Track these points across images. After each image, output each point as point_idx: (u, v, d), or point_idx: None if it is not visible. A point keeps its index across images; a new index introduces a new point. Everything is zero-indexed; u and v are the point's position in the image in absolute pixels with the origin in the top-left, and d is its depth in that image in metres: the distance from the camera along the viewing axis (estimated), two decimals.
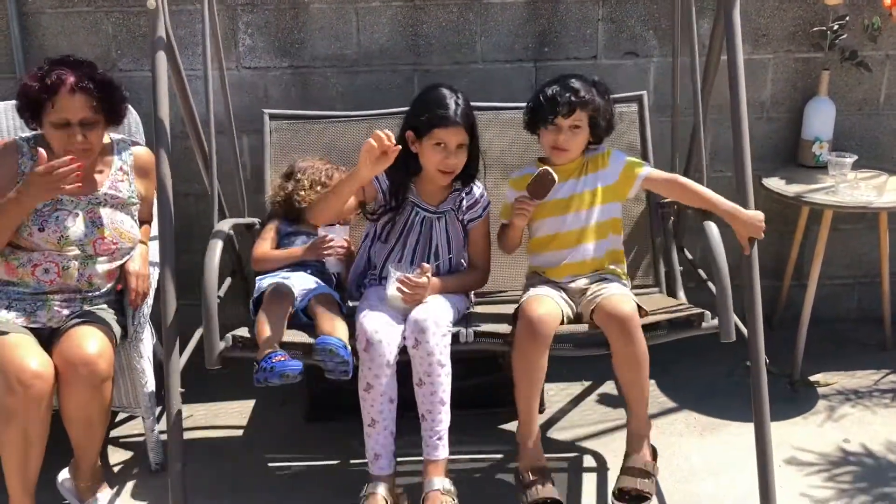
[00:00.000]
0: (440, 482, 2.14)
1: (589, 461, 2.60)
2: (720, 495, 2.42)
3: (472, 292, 2.53)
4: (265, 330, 2.19)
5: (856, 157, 2.85)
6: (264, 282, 2.44)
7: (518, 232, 2.39)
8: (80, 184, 2.19)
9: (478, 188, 2.44)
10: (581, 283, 2.37)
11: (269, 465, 2.62)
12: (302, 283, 2.43)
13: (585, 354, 2.25)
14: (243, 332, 2.28)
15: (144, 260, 2.47)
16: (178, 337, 2.19)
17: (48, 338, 2.25)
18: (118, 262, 2.41)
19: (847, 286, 3.40)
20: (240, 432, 2.80)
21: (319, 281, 2.48)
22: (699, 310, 2.27)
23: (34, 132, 2.40)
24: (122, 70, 2.95)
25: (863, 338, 3.28)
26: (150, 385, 2.48)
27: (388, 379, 2.12)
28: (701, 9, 3.00)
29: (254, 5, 2.96)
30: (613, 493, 2.24)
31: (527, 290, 2.37)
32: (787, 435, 2.67)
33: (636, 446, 2.25)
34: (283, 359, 2.10)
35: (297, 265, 2.50)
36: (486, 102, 2.78)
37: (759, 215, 2.22)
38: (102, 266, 2.36)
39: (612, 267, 2.42)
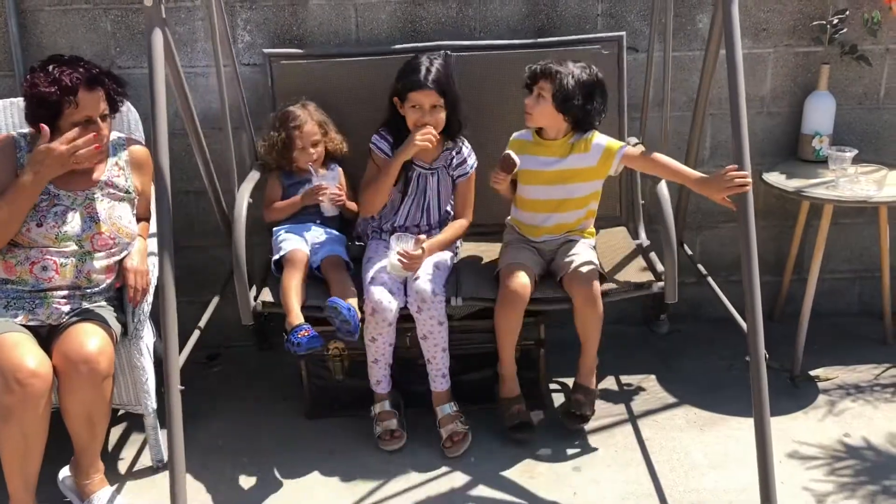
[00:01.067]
0: (449, 407, 2.65)
1: (588, 455, 2.60)
2: (721, 489, 2.42)
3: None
4: (290, 298, 2.53)
5: (856, 152, 2.84)
6: (282, 242, 2.69)
7: (503, 192, 2.69)
8: (98, 149, 2.29)
9: (466, 147, 2.75)
10: (553, 244, 2.70)
11: (270, 461, 2.62)
12: (313, 238, 2.73)
13: (553, 308, 2.63)
14: (268, 296, 2.61)
15: (143, 256, 2.47)
16: (177, 334, 2.19)
17: (47, 335, 2.25)
18: (116, 258, 2.41)
19: (847, 280, 3.40)
20: (241, 428, 2.80)
21: (330, 232, 2.77)
22: (650, 278, 2.63)
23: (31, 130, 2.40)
24: (121, 67, 2.94)
25: (863, 332, 3.27)
26: (151, 382, 2.48)
27: (389, 332, 2.57)
28: (700, 3, 3.00)
29: (252, 2, 2.95)
30: (561, 413, 2.73)
31: (504, 248, 2.72)
32: (788, 429, 2.67)
33: (585, 378, 2.68)
34: (307, 333, 2.47)
35: (306, 218, 2.78)
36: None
37: (730, 169, 2.27)
38: (100, 262, 2.36)
39: (580, 228, 2.72)
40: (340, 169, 2.85)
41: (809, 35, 3.05)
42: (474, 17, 3.00)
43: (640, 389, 2.95)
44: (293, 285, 2.55)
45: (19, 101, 2.67)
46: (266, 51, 2.90)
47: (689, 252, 3.16)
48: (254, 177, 2.74)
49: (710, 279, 2.96)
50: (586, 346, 2.64)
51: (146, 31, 2.19)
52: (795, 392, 2.89)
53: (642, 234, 2.95)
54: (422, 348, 2.62)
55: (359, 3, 2.97)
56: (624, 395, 2.92)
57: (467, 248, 2.90)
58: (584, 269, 2.55)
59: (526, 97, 2.59)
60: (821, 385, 2.94)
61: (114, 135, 2.50)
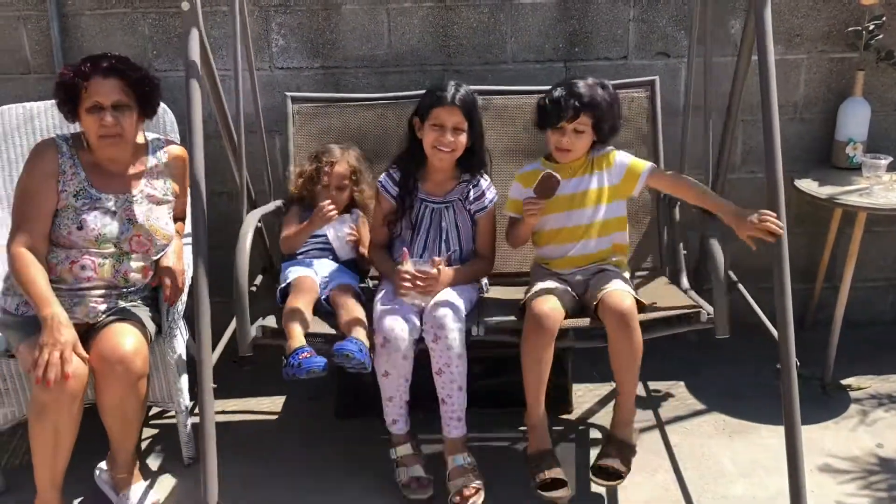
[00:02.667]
0: (462, 458, 2.39)
1: None
2: (750, 497, 2.41)
3: (485, 279, 2.67)
4: (292, 322, 2.36)
5: (891, 159, 2.81)
6: (290, 273, 2.58)
7: (528, 229, 2.50)
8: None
9: (484, 181, 2.58)
10: (583, 275, 2.48)
11: (300, 459, 2.65)
12: (324, 269, 2.60)
13: (586, 346, 2.41)
14: (271, 322, 2.43)
15: (179, 256, 2.51)
16: (210, 333, 2.22)
17: (84, 334, 2.30)
18: (153, 259, 2.45)
19: (881, 289, 3.36)
20: (271, 427, 2.83)
21: (342, 267, 2.64)
22: (695, 308, 2.37)
23: (72, 133, 2.45)
24: (158, 70, 3.00)
25: None
26: (184, 380, 2.53)
27: (403, 366, 2.34)
28: (733, 8, 2.99)
29: (286, 7, 2.99)
30: (592, 469, 2.37)
31: (533, 283, 2.46)
32: (819, 439, 2.65)
33: (620, 430, 2.39)
34: (308, 355, 2.26)
35: (319, 252, 2.67)
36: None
37: (763, 213, 2.20)
38: (137, 262, 2.40)
39: (614, 259, 2.51)
40: (362, 215, 2.75)
41: (844, 41, 3.02)
42: (505, 21, 3.01)
43: (668, 396, 2.94)
44: (297, 309, 2.40)
45: None
46: (288, 94, 2.90)
47: None
48: (270, 206, 2.71)
49: (740, 286, 2.94)
50: (623, 385, 2.35)
51: (183, 33, 2.23)
52: (827, 401, 2.86)
53: (684, 282, 2.69)
54: (436, 386, 2.36)
55: (391, 8, 3.00)
56: (652, 401, 2.91)
57: (493, 292, 2.70)
58: (619, 292, 2.28)
59: (553, 135, 2.43)
60: (853, 394, 2.91)
61: (151, 135, 2.55)
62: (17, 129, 2.77)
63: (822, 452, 2.59)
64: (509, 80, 3.03)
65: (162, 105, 2.61)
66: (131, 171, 2.43)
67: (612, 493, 2.44)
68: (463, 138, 2.47)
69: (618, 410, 2.41)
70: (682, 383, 3.01)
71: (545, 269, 2.54)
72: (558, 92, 2.40)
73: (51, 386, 2.11)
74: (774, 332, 2.27)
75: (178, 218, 2.59)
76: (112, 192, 2.38)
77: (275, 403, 2.97)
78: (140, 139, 2.47)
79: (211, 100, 2.50)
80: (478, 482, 2.37)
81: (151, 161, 2.48)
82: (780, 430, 2.22)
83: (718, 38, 3.01)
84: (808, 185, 2.93)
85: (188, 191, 2.47)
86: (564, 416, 2.81)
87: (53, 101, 2.73)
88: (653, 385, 3.00)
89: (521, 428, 2.73)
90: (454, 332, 2.30)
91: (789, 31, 3.03)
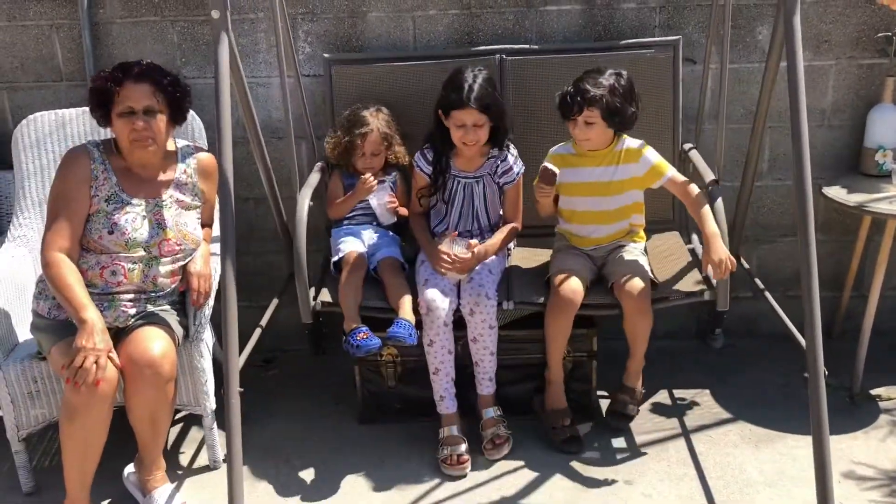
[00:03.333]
0: (493, 410, 2.68)
1: (640, 468, 2.58)
2: None
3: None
4: (347, 299, 2.60)
5: None
6: (341, 246, 2.78)
7: (546, 208, 2.71)
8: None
9: (511, 155, 2.76)
10: (603, 252, 2.72)
11: (322, 464, 2.67)
12: (370, 239, 2.82)
13: (603, 314, 2.66)
14: (326, 296, 2.68)
15: (206, 261, 2.53)
16: (238, 337, 2.24)
17: (114, 336, 2.32)
18: (181, 263, 2.48)
19: None
20: (296, 432, 2.85)
21: (385, 234, 2.86)
22: (702, 285, 2.62)
23: (103, 139, 2.49)
24: (187, 77, 3.02)
25: None
26: (210, 384, 2.55)
27: (445, 335, 2.59)
28: (760, 14, 2.97)
29: (313, 14, 3.02)
30: (607, 412, 2.77)
31: (555, 254, 2.76)
32: (847, 449, 2.61)
33: (632, 379, 2.73)
34: (365, 336, 2.53)
35: (363, 219, 2.87)
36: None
37: (728, 258, 2.43)
38: (166, 267, 2.43)
39: (631, 234, 2.75)
40: (399, 175, 2.91)
41: (874, 47, 2.99)
42: (531, 28, 3.02)
43: (693, 404, 2.92)
44: (351, 288, 2.62)
45: None
46: (326, 55, 2.97)
47: (747, 266, 3.12)
48: (313, 180, 2.80)
49: (767, 294, 2.91)
50: (634, 348, 2.66)
51: (213, 41, 2.26)
52: (855, 411, 2.83)
53: (695, 239, 2.95)
54: (471, 351, 2.65)
55: (417, 15, 3.01)
56: (677, 410, 2.89)
57: (518, 253, 2.94)
58: (635, 277, 2.56)
59: (569, 125, 2.58)
60: (882, 405, 2.87)
61: (181, 142, 2.58)
62: (49, 135, 2.82)
63: (849, 462, 2.56)
64: None
65: (191, 112, 2.65)
66: (161, 176, 2.47)
67: (637, 500, 2.43)
68: (484, 131, 2.63)
69: (631, 362, 2.70)
70: (707, 391, 2.98)
71: (567, 243, 2.76)
72: (569, 87, 2.56)
73: (81, 389, 2.14)
74: (802, 341, 2.25)
75: (206, 224, 2.62)
76: (142, 197, 2.42)
77: (300, 408, 2.99)
78: (171, 146, 2.50)
79: (240, 106, 2.53)
80: (507, 431, 2.66)
81: (181, 167, 2.51)
82: (808, 439, 2.19)
83: (746, 44, 3.00)
84: (836, 192, 2.90)
85: (216, 197, 2.50)
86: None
87: (85, 108, 2.80)
88: (678, 393, 2.98)
89: None
90: (488, 307, 2.57)
91: (817, 36, 3.00)
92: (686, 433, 2.75)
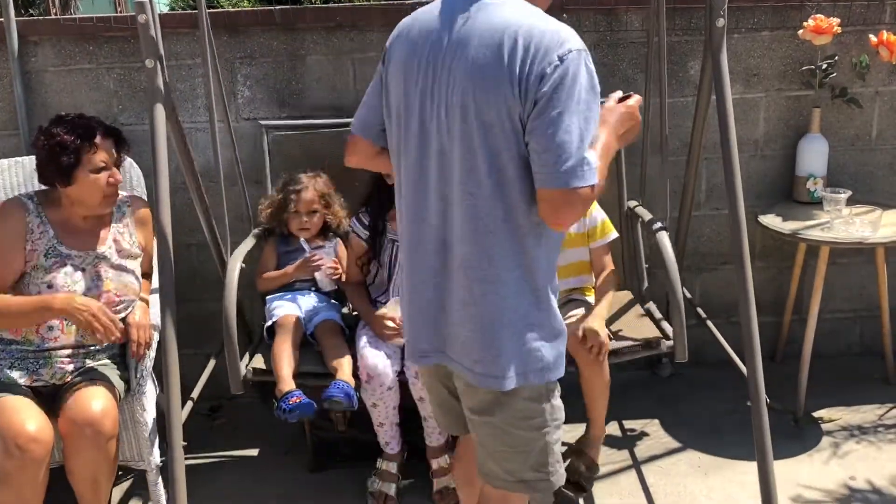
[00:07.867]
0: (444, 459, 2.61)
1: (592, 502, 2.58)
2: None
3: None
4: (280, 364, 2.47)
5: (850, 193, 2.87)
6: (276, 311, 2.65)
7: None
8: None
9: None
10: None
11: None
12: (308, 304, 2.70)
13: None
14: (260, 362, 2.55)
15: (145, 311, 2.48)
16: (179, 387, 2.19)
17: (51, 395, 2.25)
18: (120, 316, 2.42)
19: (848, 320, 3.40)
20: (246, 483, 2.78)
21: (325, 300, 2.74)
22: (657, 334, 2.56)
23: (36, 190, 2.44)
24: (124, 124, 3.00)
25: (866, 372, 3.27)
26: (154, 438, 2.48)
27: (389, 396, 2.50)
28: (692, 51, 3.06)
29: (252, 58, 3.02)
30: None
31: None
32: (793, 473, 2.65)
33: (591, 447, 2.57)
34: (298, 399, 2.39)
35: (303, 286, 2.75)
36: None
37: (606, 336, 2.41)
38: None
39: (579, 291, 2.69)
40: (341, 242, 2.81)
41: (800, 79, 3.10)
42: None
43: (643, 434, 2.94)
44: (284, 351, 2.50)
45: (24, 161, 2.72)
46: (262, 122, 2.94)
47: (689, 295, 3.17)
48: (248, 243, 2.71)
49: (709, 322, 2.96)
50: (593, 414, 2.54)
51: (147, 90, 2.24)
52: (799, 434, 2.88)
53: (656, 311, 2.82)
54: (418, 408, 2.55)
55: (356, 58, 3.03)
56: (627, 441, 2.91)
57: None
58: (590, 330, 2.42)
59: None
60: (825, 426, 2.92)
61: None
62: None
63: (795, 486, 2.60)
64: None
65: (128, 160, 2.61)
66: (100, 227, 2.43)
67: None
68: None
69: (591, 428, 2.56)
70: (656, 421, 3.01)
71: None
72: None
73: (14, 453, 2.08)
74: (744, 369, 2.29)
75: (145, 274, 2.57)
76: (81, 249, 2.37)
77: (248, 459, 2.92)
78: None
79: (177, 152, 2.50)
80: None
81: (117, 216, 2.47)
82: (756, 465, 2.22)
83: (679, 78, 3.08)
84: (771, 220, 2.98)
85: (154, 245, 2.46)
86: None
87: (17, 158, 2.74)
88: (628, 424, 3.00)
89: None
90: None
91: (747, 70, 3.10)
92: (637, 464, 2.77)
